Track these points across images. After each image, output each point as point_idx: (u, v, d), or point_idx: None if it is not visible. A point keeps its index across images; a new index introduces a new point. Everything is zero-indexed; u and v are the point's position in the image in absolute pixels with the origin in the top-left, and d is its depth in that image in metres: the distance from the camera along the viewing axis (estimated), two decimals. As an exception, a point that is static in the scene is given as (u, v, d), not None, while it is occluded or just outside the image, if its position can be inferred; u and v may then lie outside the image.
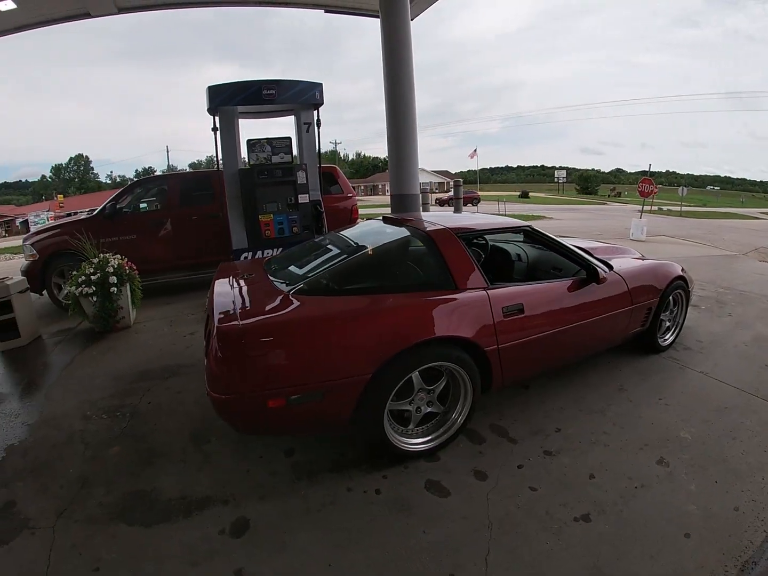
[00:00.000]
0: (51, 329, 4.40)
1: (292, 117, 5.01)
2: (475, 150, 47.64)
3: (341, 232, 2.99)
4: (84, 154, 69.58)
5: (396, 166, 5.55)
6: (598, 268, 2.64)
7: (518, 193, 48.29)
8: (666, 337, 3.37)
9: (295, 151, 4.99)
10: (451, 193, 13.59)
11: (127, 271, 4.15)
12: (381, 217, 3.05)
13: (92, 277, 3.86)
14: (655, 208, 25.45)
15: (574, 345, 2.65)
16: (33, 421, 2.68)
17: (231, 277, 2.61)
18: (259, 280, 2.50)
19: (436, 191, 52.09)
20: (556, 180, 64.19)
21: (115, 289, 3.95)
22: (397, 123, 5.40)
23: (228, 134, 4.56)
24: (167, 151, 55.02)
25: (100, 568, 1.65)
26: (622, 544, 1.71)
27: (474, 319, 2.13)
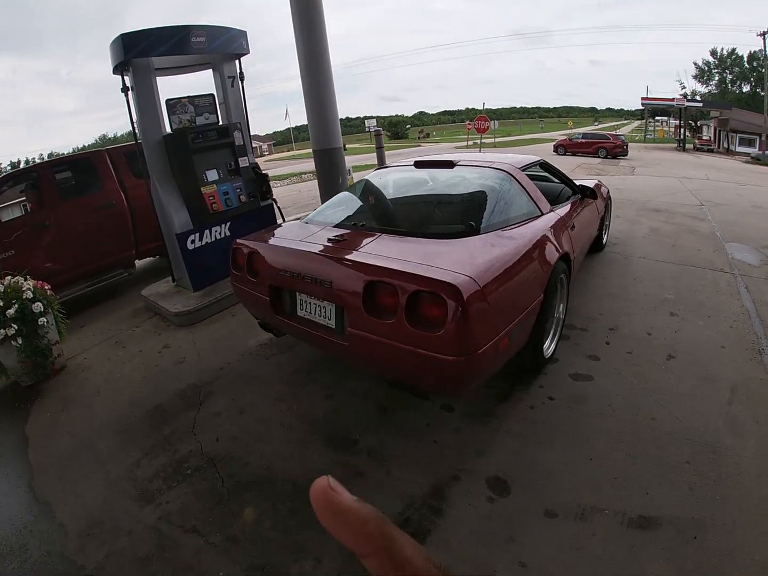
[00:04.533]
0: None
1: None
2: (287, 110, 46.45)
3: (406, 176, 2.96)
4: None
5: (317, 120, 5.12)
6: (587, 191, 3.28)
7: (333, 147, 48.56)
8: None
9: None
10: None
11: (48, 294, 3.02)
12: (413, 162, 2.98)
13: (7, 312, 2.70)
14: (471, 143, 28.70)
15: (582, 244, 3.16)
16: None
17: (307, 246, 2.12)
18: (368, 236, 2.12)
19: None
20: (367, 129, 65.75)
21: (44, 319, 2.85)
22: (312, 71, 4.90)
23: (146, 94, 3.52)
24: None
25: None
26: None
27: (564, 235, 2.51)
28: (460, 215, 2.24)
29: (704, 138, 32.93)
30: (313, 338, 2.13)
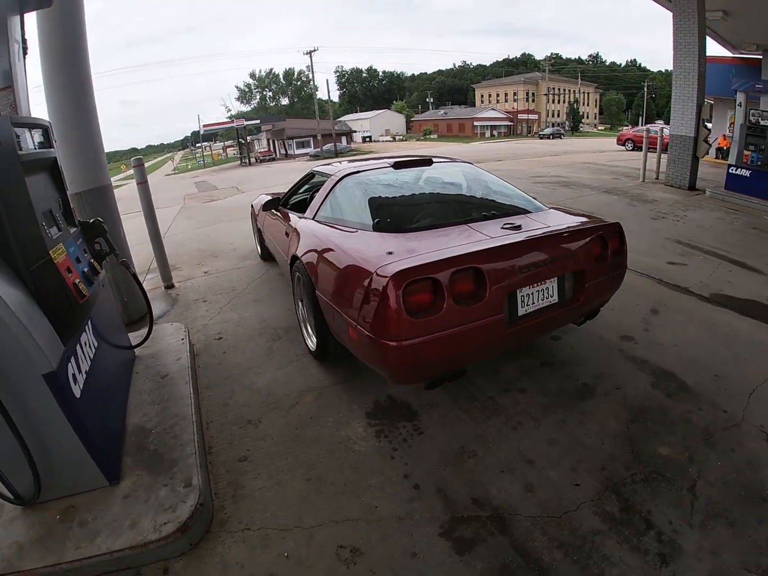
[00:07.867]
0: None
1: None
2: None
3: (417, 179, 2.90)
4: None
5: (78, 144, 3.06)
6: None
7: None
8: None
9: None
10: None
11: None
12: (393, 164, 2.91)
13: None
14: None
15: None
16: None
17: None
18: (513, 218, 2.32)
19: None
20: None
21: None
22: (69, 65, 2.86)
23: None
24: None
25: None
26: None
27: None
28: (513, 198, 2.68)
29: (262, 150, 37.98)
30: (536, 328, 2.16)
